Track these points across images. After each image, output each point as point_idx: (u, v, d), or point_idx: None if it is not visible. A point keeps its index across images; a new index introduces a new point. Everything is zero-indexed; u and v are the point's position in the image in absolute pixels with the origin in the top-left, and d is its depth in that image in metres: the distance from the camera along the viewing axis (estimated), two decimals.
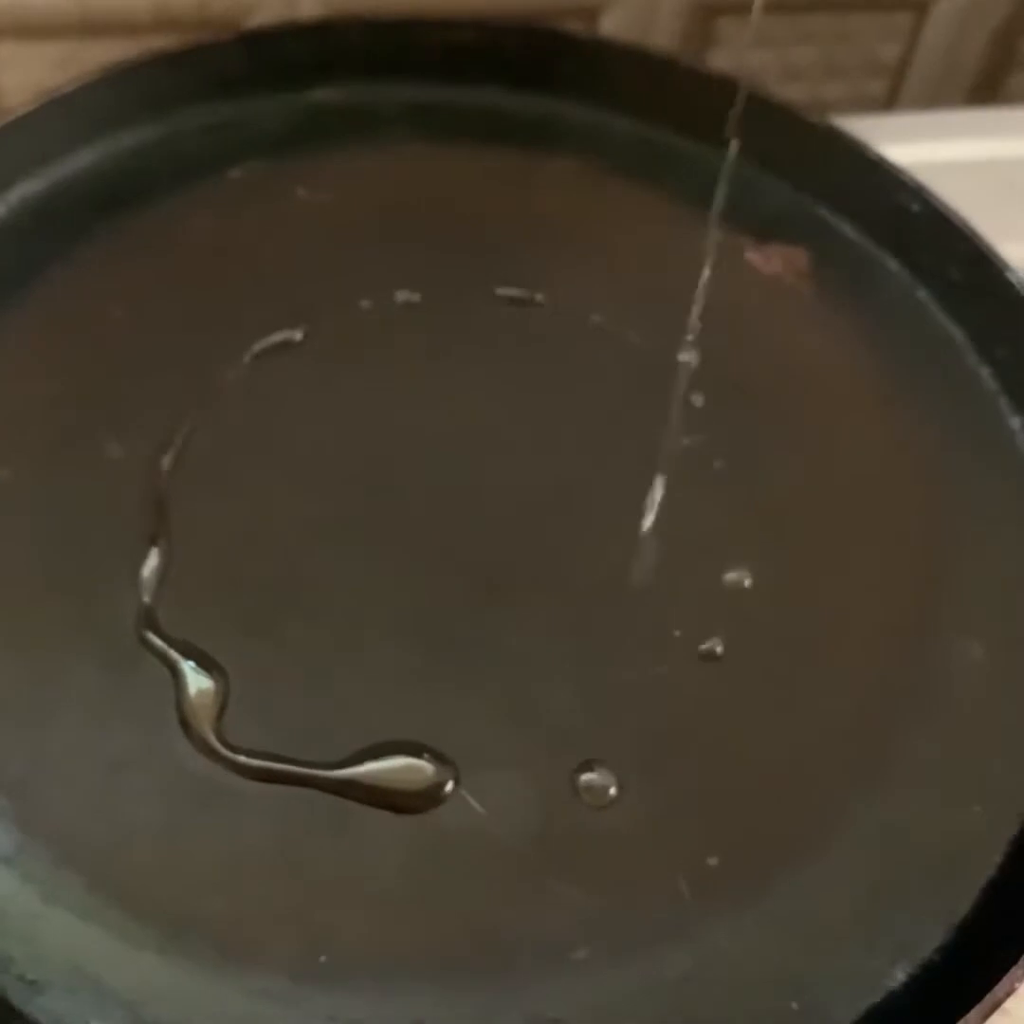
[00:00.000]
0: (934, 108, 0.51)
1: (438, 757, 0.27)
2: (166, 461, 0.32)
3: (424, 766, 0.27)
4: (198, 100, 0.39)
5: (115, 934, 0.25)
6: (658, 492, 0.32)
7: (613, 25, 0.47)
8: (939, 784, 0.28)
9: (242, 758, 0.27)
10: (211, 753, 0.27)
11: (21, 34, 0.44)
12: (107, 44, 0.44)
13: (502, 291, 0.36)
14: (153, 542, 0.30)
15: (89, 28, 0.44)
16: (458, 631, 0.30)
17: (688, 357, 0.35)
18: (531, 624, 0.30)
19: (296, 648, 0.29)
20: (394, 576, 0.30)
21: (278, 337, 0.34)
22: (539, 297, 0.36)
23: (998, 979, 0.23)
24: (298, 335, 0.34)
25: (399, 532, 0.31)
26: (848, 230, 0.39)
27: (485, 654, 0.29)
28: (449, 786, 0.27)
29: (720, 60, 0.49)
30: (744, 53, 0.49)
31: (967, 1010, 0.23)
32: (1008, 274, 0.35)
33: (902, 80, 0.52)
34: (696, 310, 0.36)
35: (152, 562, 0.30)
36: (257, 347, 0.34)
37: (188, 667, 0.28)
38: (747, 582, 0.31)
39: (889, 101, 0.53)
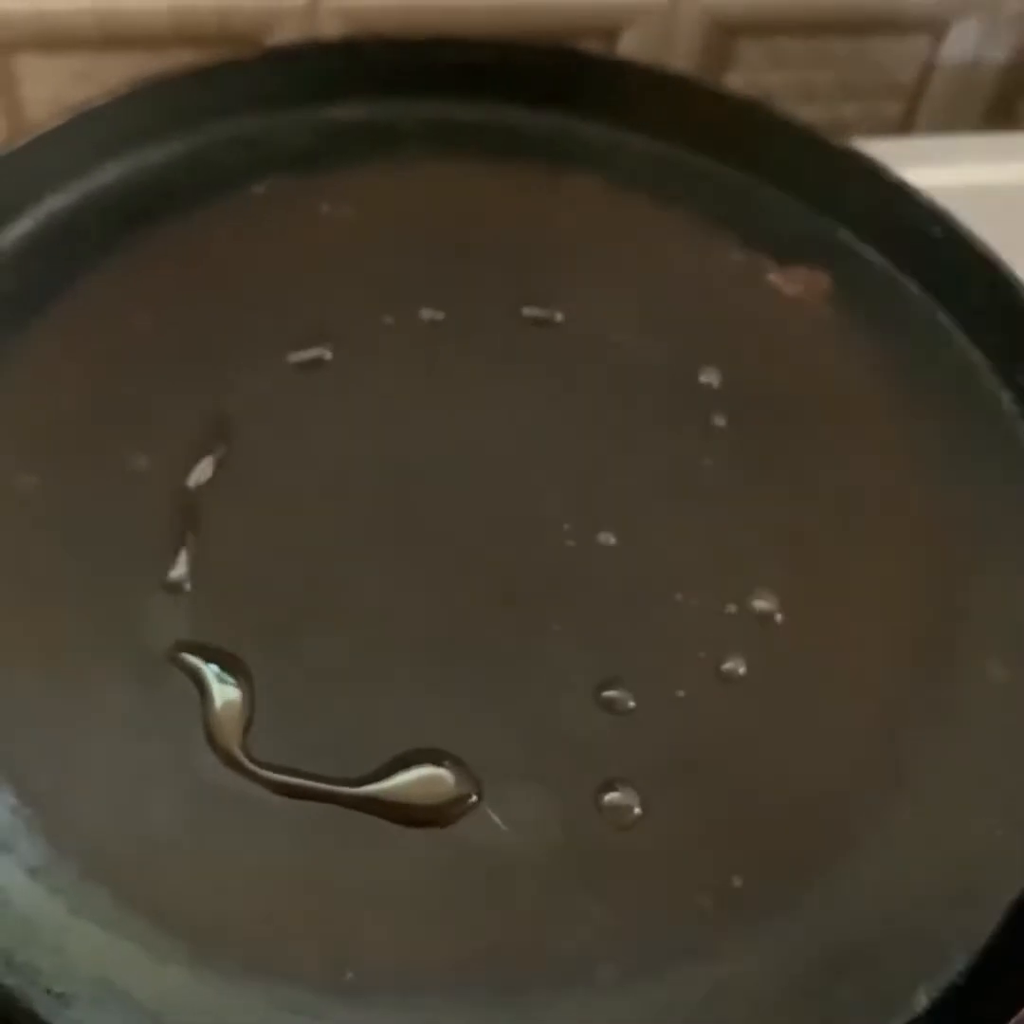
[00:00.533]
0: (950, 131, 0.52)
1: (461, 773, 0.27)
2: (192, 474, 0.32)
3: (447, 782, 0.27)
4: (223, 116, 0.39)
5: (141, 946, 0.25)
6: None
7: (631, 45, 0.48)
8: (960, 806, 0.28)
9: (267, 772, 0.27)
10: (237, 766, 0.27)
11: (41, 47, 0.44)
12: (127, 58, 0.45)
13: (527, 311, 0.36)
14: (179, 554, 0.30)
15: (109, 41, 0.44)
16: (482, 646, 0.30)
17: (709, 378, 0.35)
18: (555, 641, 0.30)
19: (322, 660, 0.29)
20: (420, 591, 0.30)
21: (306, 354, 0.34)
22: (559, 316, 0.36)
23: (1022, 1004, 0.24)
24: (328, 354, 0.34)
25: (424, 547, 0.31)
26: (869, 253, 0.39)
27: (509, 671, 0.29)
28: (472, 802, 0.27)
29: (738, 80, 0.49)
30: (761, 74, 0.49)
31: None
32: None
33: (918, 102, 0.52)
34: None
35: (178, 573, 0.30)
36: (283, 361, 0.34)
37: (214, 680, 0.28)
38: (768, 602, 0.31)
39: (905, 123, 0.53)
